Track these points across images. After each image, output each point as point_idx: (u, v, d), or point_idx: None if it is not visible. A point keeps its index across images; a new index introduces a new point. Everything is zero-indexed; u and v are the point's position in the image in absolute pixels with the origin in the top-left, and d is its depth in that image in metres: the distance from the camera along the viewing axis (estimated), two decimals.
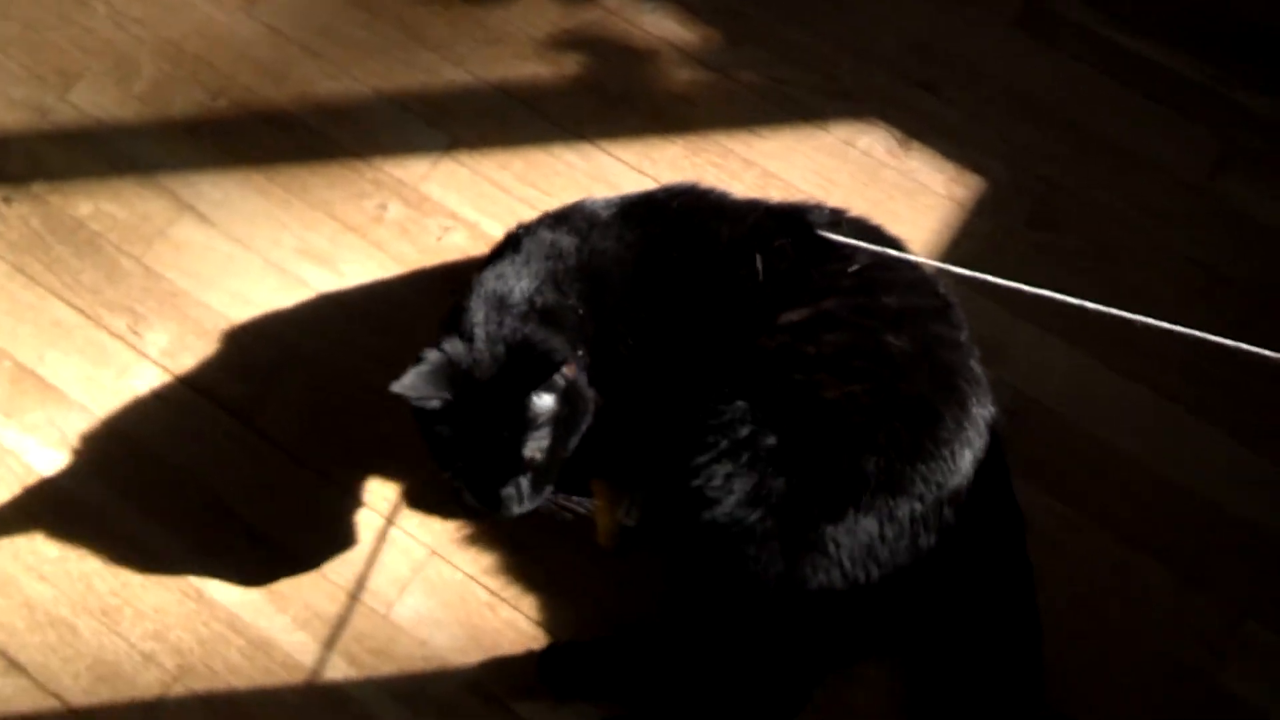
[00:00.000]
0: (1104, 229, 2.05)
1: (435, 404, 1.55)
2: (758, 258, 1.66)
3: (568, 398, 1.59)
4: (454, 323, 1.64)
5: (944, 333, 1.65)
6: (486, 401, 1.56)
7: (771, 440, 1.56)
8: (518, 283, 1.66)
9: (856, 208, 1.86)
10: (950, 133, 2.12)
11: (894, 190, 2.07)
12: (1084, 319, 1.98)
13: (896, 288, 1.65)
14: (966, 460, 1.59)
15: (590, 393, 1.63)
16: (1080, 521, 1.82)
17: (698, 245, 1.70)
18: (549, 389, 1.56)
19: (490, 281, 1.67)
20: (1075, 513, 1.83)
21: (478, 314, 1.63)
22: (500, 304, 1.64)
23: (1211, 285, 1.99)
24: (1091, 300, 1.54)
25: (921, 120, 2.13)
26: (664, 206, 1.77)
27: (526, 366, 1.56)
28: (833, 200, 2.01)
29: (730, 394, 1.60)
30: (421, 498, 1.81)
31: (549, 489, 1.61)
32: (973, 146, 2.10)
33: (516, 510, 1.58)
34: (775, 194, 2.05)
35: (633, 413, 1.68)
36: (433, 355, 1.58)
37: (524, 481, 1.57)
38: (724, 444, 1.57)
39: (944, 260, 1.98)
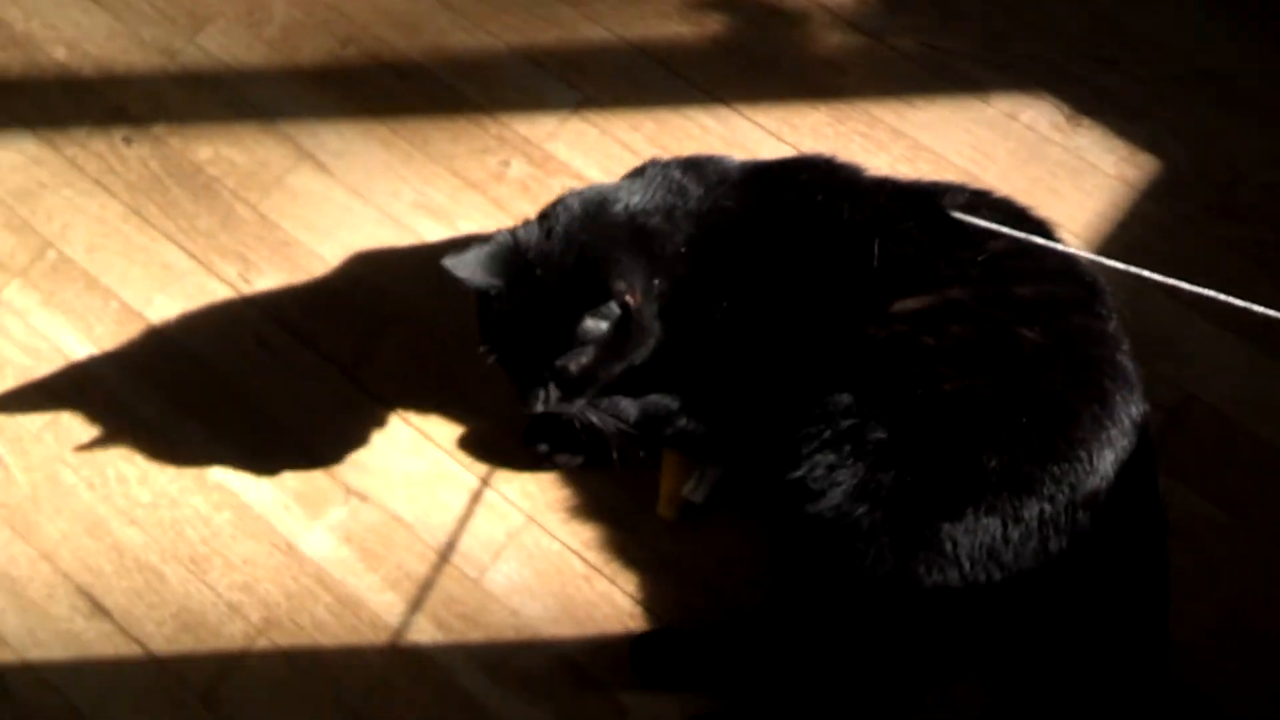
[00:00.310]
0: None
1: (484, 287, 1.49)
2: (875, 242, 1.52)
3: (622, 326, 1.49)
4: (545, 211, 1.56)
5: (1087, 324, 1.48)
6: (539, 300, 1.48)
7: (880, 434, 1.43)
8: (629, 198, 1.56)
9: (1014, 186, 1.72)
10: (1126, 110, 1.93)
11: (1057, 168, 1.90)
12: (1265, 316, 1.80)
13: (1033, 276, 1.49)
14: (1107, 461, 1.43)
15: (654, 326, 1.53)
16: (1238, 530, 1.65)
17: (817, 222, 1.57)
18: (603, 315, 1.48)
19: (602, 188, 1.59)
20: (1233, 520, 1.65)
21: (571, 211, 1.54)
22: (600, 208, 1.54)
23: None
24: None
25: (1094, 96, 1.95)
26: (792, 177, 1.64)
27: (589, 284, 1.47)
28: (989, 177, 1.88)
29: (834, 383, 1.47)
30: (521, 461, 1.70)
31: (581, 402, 1.53)
32: (1151, 126, 1.92)
33: (538, 408, 1.51)
34: (926, 168, 1.90)
35: (718, 385, 1.57)
36: (501, 238, 1.51)
37: (553, 387, 1.50)
38: (826, 434, 1.45)
39: (1109, 246, 1.82)
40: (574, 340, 1.47)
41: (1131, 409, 1.46)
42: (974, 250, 1.51)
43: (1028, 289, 1.49)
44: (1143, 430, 1.48)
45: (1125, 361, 1.49)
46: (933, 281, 1.50)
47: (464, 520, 1.65)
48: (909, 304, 1.49)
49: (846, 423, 1.45)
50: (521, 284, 1.48)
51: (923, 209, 1.55)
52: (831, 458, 1.45)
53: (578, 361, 1.49)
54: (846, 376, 1.48)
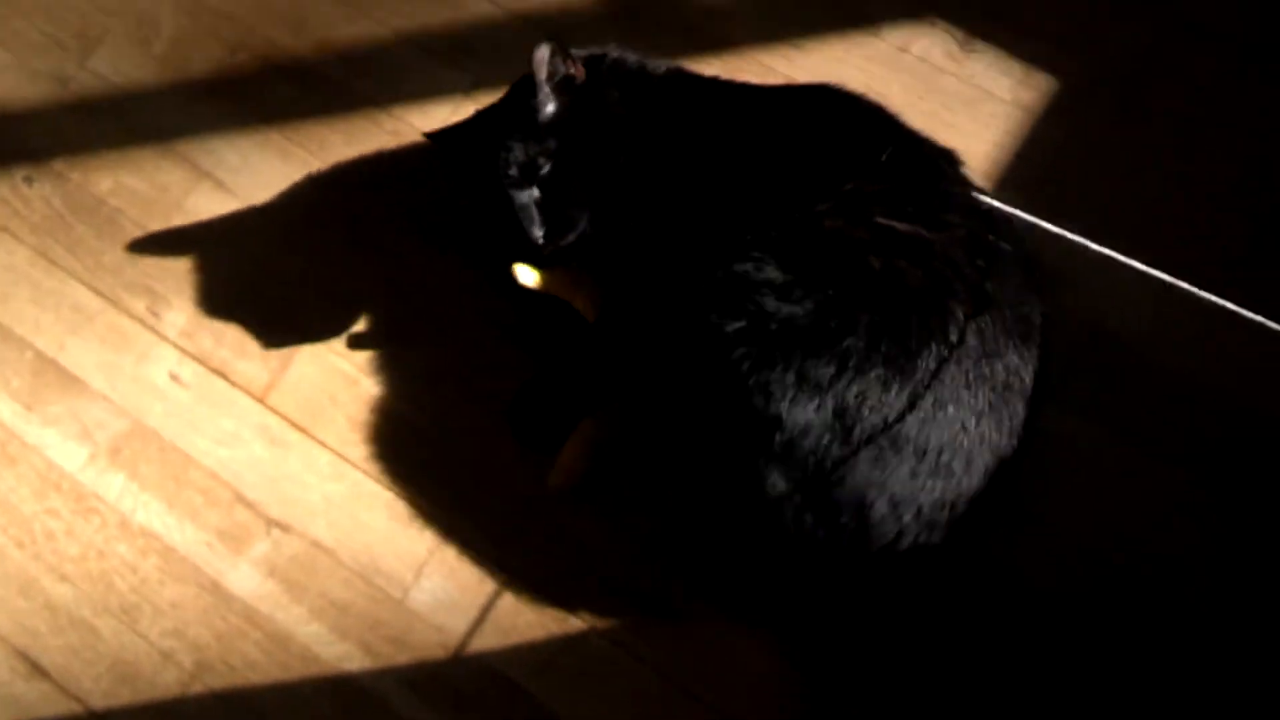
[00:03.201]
0: (1198, 114, 1.81)
1: None
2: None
3: None
4: None
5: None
6: None
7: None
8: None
9: (910, 122, 1.68)
10: (1017, 29, 1.88)
11: (953, 100, 1.85)
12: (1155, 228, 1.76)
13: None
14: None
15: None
16: (1127, 450, 1.66)
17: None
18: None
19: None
20: (1122, 441, 1.66)
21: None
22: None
23: None
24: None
25: (985, 16, 1.89)
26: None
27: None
28: None
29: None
30: (437, 473, 1.72)
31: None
32: (1043, 43, 1.86)
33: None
34: None
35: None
36: None
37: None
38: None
39: (1011, 175, 1.80)
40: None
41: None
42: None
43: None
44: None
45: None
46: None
47: (386, 539, 1.69)
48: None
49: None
50: None
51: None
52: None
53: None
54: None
